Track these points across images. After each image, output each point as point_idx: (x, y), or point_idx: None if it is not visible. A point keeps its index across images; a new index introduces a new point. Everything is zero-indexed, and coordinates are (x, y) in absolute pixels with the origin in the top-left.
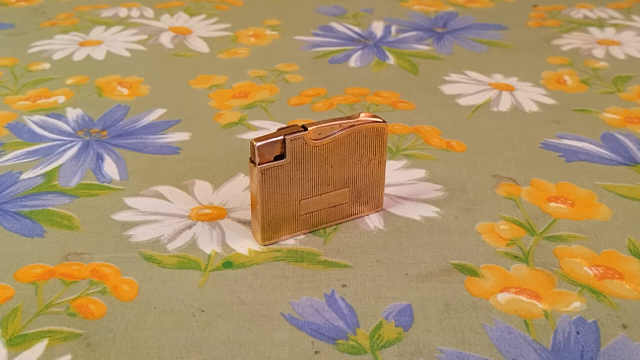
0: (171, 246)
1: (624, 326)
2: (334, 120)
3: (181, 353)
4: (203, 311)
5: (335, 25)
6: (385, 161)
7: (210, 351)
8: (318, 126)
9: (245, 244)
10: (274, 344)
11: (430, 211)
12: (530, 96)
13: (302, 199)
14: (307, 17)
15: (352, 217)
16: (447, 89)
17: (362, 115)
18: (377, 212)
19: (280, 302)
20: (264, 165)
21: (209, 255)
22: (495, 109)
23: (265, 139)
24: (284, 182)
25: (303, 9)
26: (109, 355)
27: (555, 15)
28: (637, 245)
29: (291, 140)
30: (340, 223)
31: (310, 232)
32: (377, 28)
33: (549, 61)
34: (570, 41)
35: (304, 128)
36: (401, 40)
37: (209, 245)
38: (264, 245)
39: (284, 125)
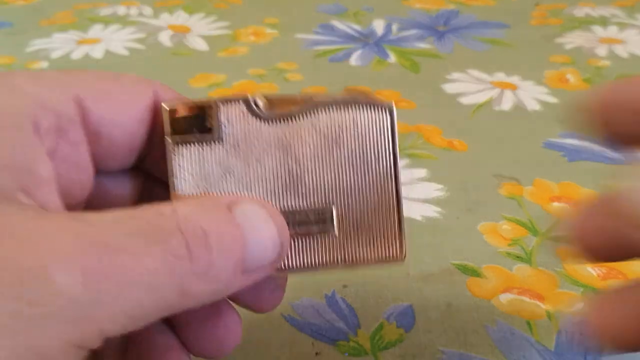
0: None
1: None
2: None
3: None
4: None
5: (335, 23)
6: None
7: None
8: None
9: None
10: (274, 345)
11: (432, 211)
12: (532, 95)
13: None
14: (307, 16)
15: None
16: (449, 88)
17: None
18: None
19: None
20: None
21: None
22: (497, 108)
23: None
24: None
25: (303, 7)
26: None
27: (557, 13)
28: None
29: None
30: None
31: None
32: (378, 26)
33: (552, 60)
34: (572, 39)
35: None
36: (402, 38)
37: None
38: None
39: None
